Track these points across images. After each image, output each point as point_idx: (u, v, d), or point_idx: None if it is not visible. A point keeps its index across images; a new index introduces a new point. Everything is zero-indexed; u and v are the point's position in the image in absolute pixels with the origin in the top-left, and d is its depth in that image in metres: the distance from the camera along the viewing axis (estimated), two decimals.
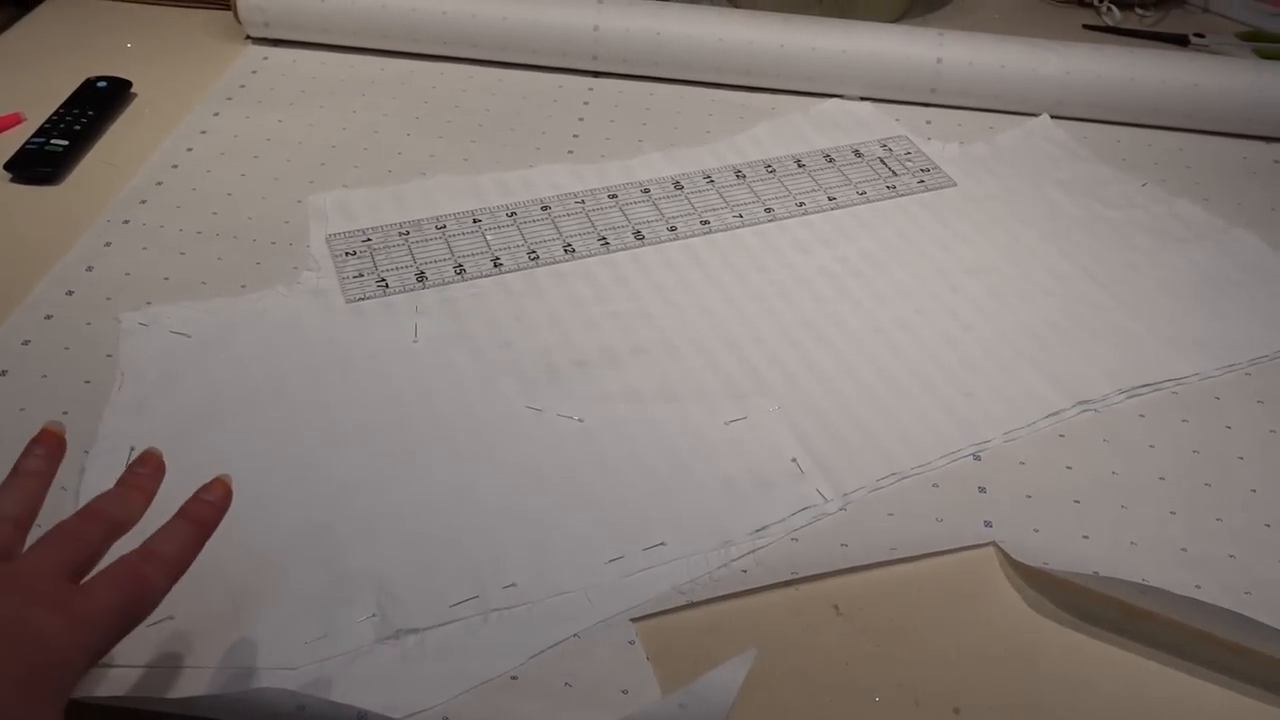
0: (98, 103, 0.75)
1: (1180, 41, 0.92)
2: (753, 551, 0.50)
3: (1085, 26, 0.95)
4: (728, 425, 0.56)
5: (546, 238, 0.67)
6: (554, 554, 0.49)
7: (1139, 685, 0.46)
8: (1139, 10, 0.97)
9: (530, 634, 0.46)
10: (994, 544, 0.51)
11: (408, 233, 0.67)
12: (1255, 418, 0.58)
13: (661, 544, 0.50)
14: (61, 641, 0.34)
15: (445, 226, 0.68)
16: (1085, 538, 0.51)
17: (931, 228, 0.70)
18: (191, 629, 0.45)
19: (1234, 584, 0.49)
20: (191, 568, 0.44)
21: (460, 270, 0.64)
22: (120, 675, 0.43)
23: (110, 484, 0.48)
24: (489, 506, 0.51)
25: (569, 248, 0.66)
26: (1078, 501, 0.53)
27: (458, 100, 0.80)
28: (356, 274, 0.64)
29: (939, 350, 0.61)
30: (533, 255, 0.66)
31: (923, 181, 0.74)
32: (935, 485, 0.53)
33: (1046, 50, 0.79)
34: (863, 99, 0.81)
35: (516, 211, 0.69)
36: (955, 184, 0.74)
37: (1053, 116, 0.80)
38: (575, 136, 0.77)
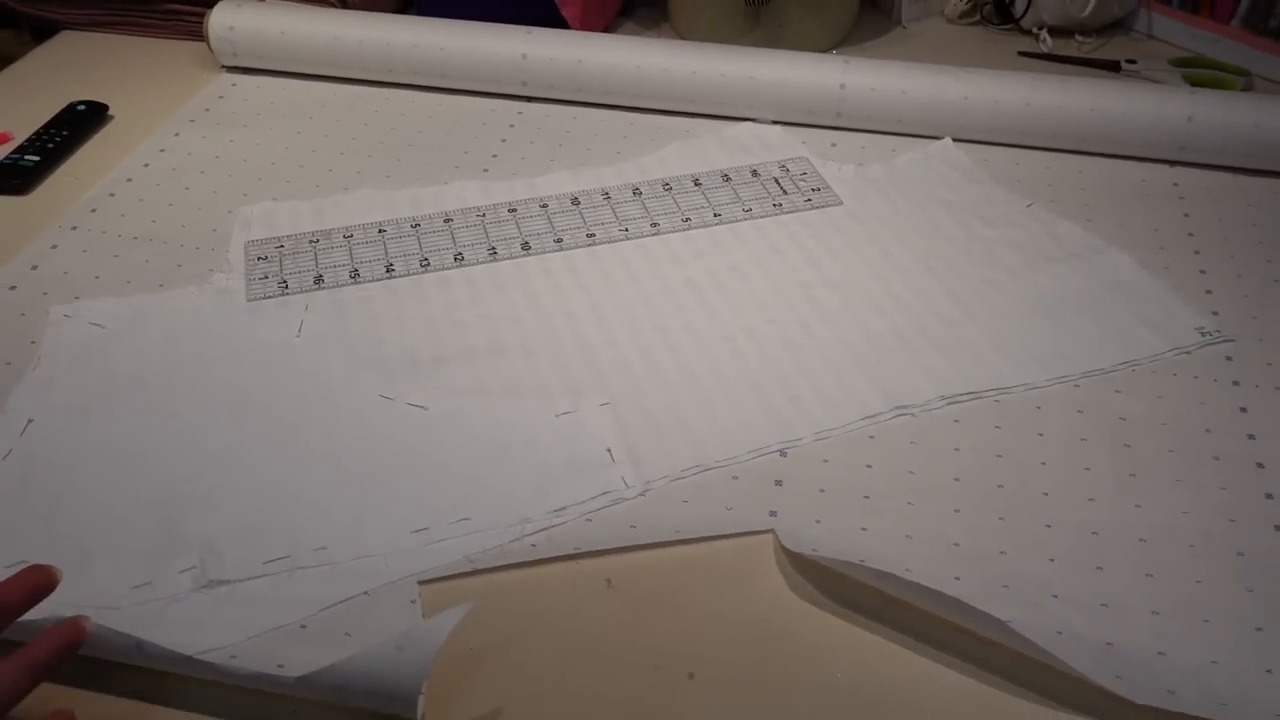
0: (75, 123, 0.85)
1: (1112, 68, 0.94)
2: (546, 529, 0.55)
3: (1020, 53, 0.97)
4: (558, 418, 0.61)
5: (441, 247, 0.73)
6: (367, 523, 0.55)
7: (873, 663, 0.49)
8: (1079, 37, 0.99)
9: (326, 589, 0.52)
10: (772, 531, 0.55)
11: (317, 240, 0.74)
12: (1070, 426, 0.61)
13: (466, 519, 0.55)
14: None
15: (352, 236, 0.74)
16: (864, 530, 0.55)
17: (806, 243, 0.74)
18: None
19: (995, 577, 0.52)
20: (49, 526, 0.52)
21: (355, 275, 0.71)
22: None
23: (3, 450, 0.57)
24: (323, 481, 0.57)
25: (459, 256, 0.73)
26: (867, 497, 0.56)
27: (394, 123, 0.87)
28: (262, 276, 0.71)
29: (777, 356, 0.65)
30: (424, 263, 0.72)
31: (810, 200, 0.78)
32: (735, 477, 0.58)
33: (947, 76, 0.82)
34: (775, 123, 0.86)
35: (420, 223, 0.76)
36: (841, 203, 0.78)
37: (955, 140, 0.83)
38: (494, 156, 0.83)
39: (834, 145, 0.84)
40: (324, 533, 0.54)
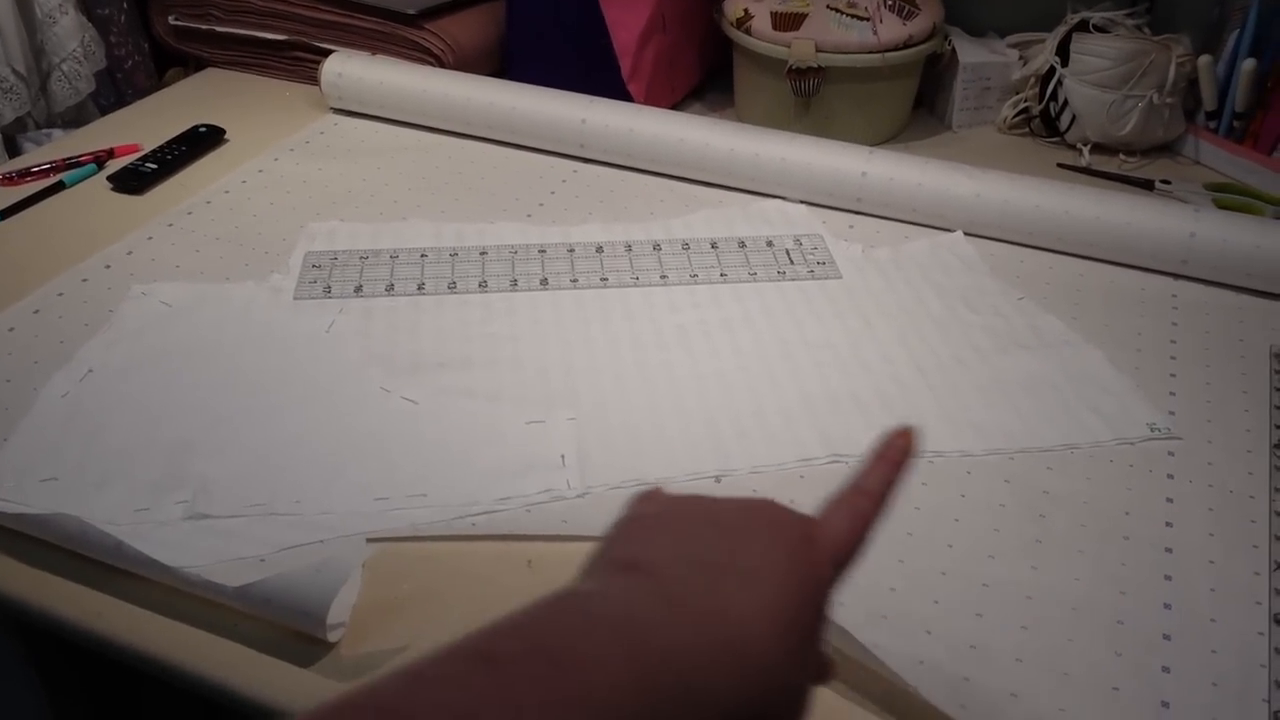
0: (194, 142, 0.99)
1: (1146, 186, 0.97)
2: (489, 513, 0.62)
3: (1059, 165, 1.02)
4: (527, 425, 0.68)
5: (470, 274, 0.83)
6: (338, 486, 0.63)
7: None
8: (1122, 156, 1.03)
9: (289, 534, 0.60)
10: None
11: (366, 257, 0.84)
12: (992, 492, 0.64)
13: (423, 495, 0.63)
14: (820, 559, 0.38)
15: (397, 256, 0.84)
16: None
17: (796, 308, 0.80)
18: (69, 488, 0.62)
19: (877, 609, 0.57)
20: (82, 453, 0.62)
21: (390, 289, 0.81)
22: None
23: (63, 390, 0.67)
24: (312, 448, 0.66)
25: (483, 284, 0.82)
26: None
27: (462, 168, 0.98)
28: (312, 280, 0.81)
29: (737, 398, 0.71)
30: (451, 285, 0.81)
31: (812, 272, 0.84)
32: None
33: (961, 173, 0.88)
34: (801, 202, 0.93)
35: (458, 253, 0.85)
36: (841, 277, 0.84)
37: (967, 234, 0.88)
38: (540, 205, 0.92)
39: (851, 227, 0.90)
40: (301, 489, 0.63)
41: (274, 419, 0.68)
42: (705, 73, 1.15)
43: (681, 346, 0.76)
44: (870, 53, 0.97)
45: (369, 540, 0.60)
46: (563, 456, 0.66)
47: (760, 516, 0.38)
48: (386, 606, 0.56)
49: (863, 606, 0.57)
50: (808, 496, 0.63)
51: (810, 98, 0.99)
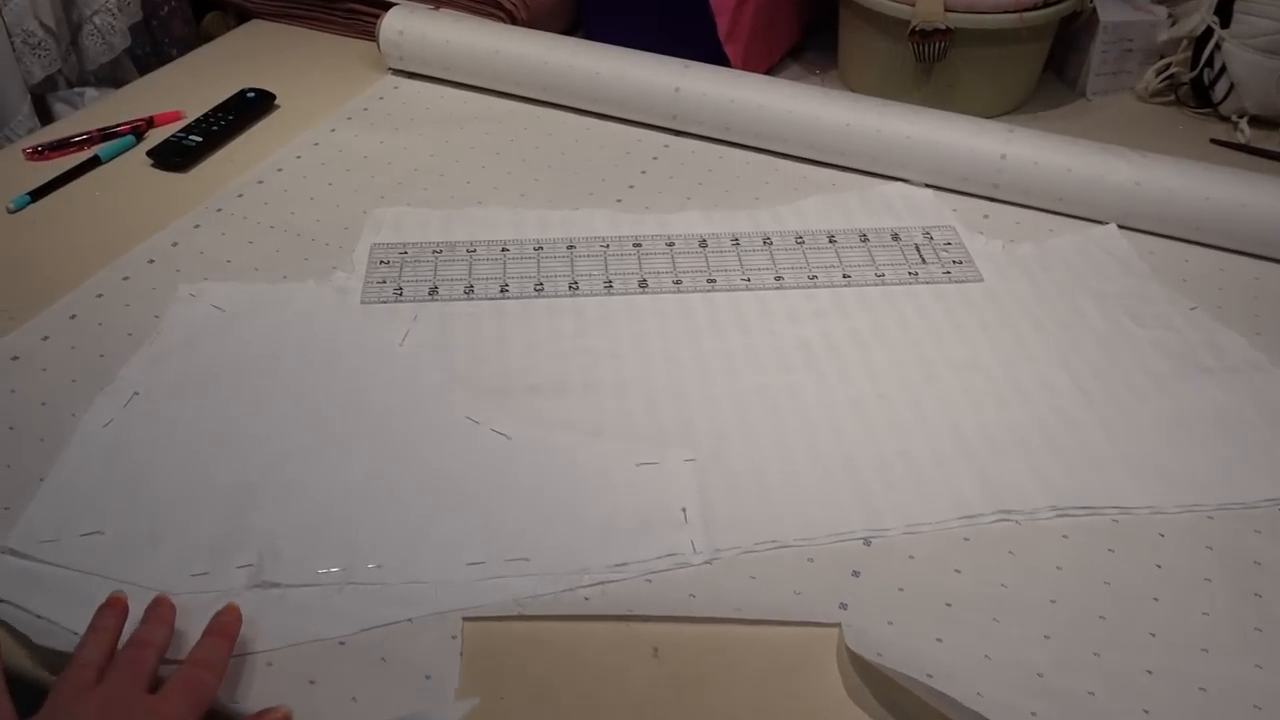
0: (242, 109, 0.88)
1: None
2: (602, 583, 0.53)
3: (1213, 141, 0.90)
4: (638, 467, 0.58)
5: (558, 274, 0.72)
6: (425, 547, 0.54)
7: None
8: None
9: (372, 610, 0.51)
10: (839, 625, 0.51)
11: (440, 251, 0.74)
12: (1194, 562, 0.54)
13: (524, 559, 0.53)
14: None
15: (475, 250, 0.74)
16: (939, 640, 0.50)
17: (935, 318, 0.69)
18: (115, 544, 0.54)
19: (1072, 717, 0.47)
20: (129, 499, 0.53)
21: (469, 291, 0.71)
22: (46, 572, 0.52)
23: (106, 418, 0.59)
24: (392, 495, 0.56)
25: (574, 285, 0.71)
26: (949, 605, 0.52)
27: (540, 141, 0.87)
28: (380, 280, 0.71)
29: (881, 436, 0.61)
30: (539, 287, 0.71)
31: (949, 273, 0.73)
32: (810, 560, 0.54)
33: (1118, 157, 0.76)
34: (927, 186, 0.81)
35: (543, 246, 0.75)
36: (983, 280, 0.73)
37: (1121, 227, 0.77)
38: (631, 187, 0.82)
39: (986, 217, 0.79)
40: (381, 550, 0.54)
41: (345, 458, 0.59)
42: (803, 32, 1.03)
43: (807, 367, 0.65)
44: (1006, 12, 0.85)
45: (465, 619, 0.51)
46: (684, 510, 0.56)
47: None
48: (493, 708, 0.47)
49: (1057, 714, 0.47)
50: (973, 563, 0.54)
51: (934, 63, 0.87)
